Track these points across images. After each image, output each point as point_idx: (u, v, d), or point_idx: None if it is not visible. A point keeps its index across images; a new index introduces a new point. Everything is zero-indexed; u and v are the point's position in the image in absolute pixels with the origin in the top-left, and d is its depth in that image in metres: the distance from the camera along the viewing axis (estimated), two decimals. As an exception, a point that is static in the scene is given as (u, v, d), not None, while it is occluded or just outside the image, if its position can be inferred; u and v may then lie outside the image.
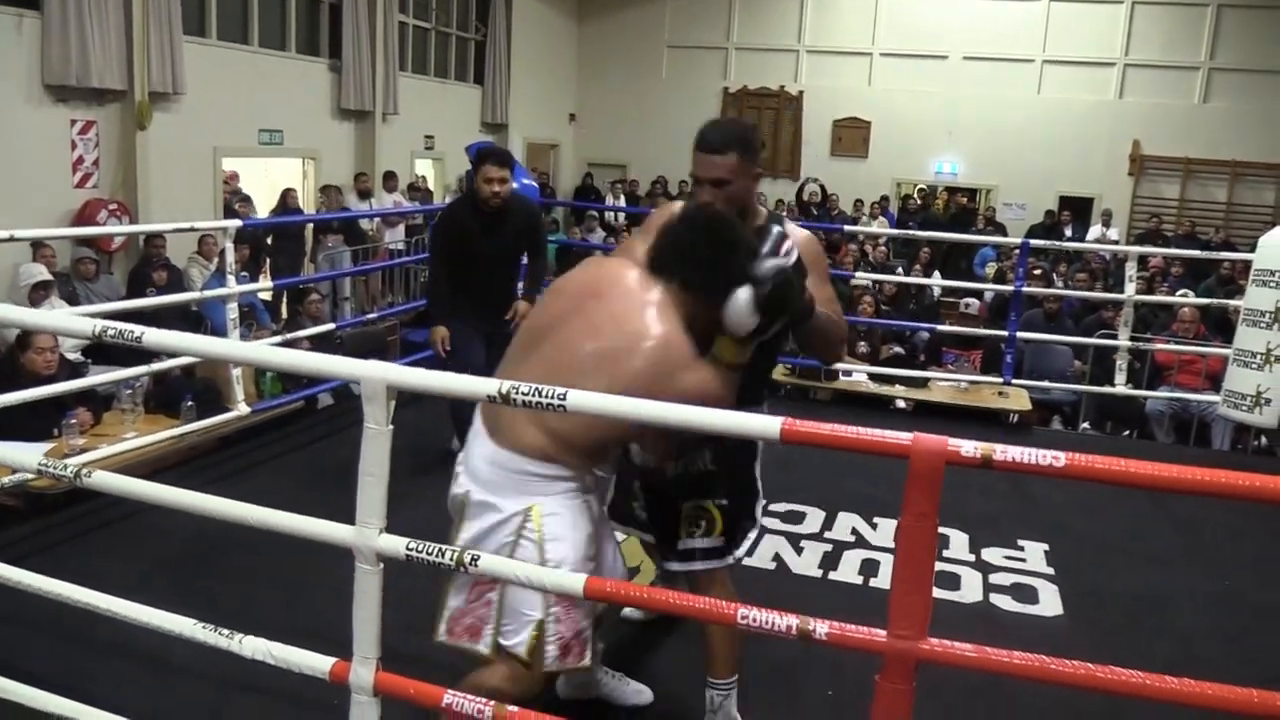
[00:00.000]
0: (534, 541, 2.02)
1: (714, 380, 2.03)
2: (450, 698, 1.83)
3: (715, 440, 2.32)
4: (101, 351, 5.78)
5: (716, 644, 2.41)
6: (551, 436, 2.02)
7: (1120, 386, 5.82)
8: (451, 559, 1.78)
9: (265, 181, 11.40)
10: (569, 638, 2.07)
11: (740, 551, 2.48)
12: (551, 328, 2.11)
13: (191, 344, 2.37)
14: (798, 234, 2.34)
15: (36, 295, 6.22)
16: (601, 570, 2.19)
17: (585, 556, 2.10)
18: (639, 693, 2.75)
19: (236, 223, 4.96)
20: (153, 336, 1.99)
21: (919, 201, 15.17)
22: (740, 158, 2.27)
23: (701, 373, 2.02)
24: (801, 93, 16.49)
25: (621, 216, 13.63)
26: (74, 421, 4.20)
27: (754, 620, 1.58)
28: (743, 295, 2.02)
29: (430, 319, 4.62)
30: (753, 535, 2.50)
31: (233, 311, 4.72)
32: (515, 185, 4.50)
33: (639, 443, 2.32)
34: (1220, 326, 7.34)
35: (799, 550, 3.82)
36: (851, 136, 16.40)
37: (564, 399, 1.62)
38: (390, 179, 11.62)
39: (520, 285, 4.70)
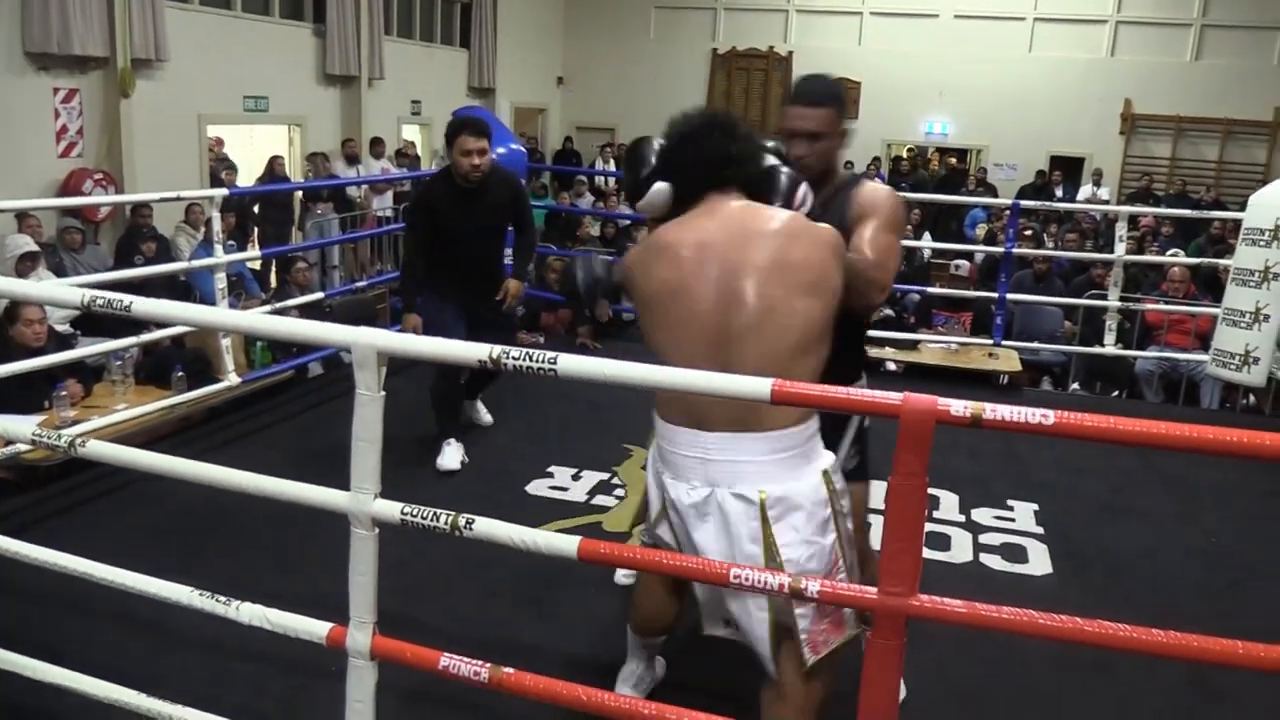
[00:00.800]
0: (833, 506, 1.90)
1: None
2: (446, 660, 1.85)
3: None
4: (90, 323, 5.76)
5: None
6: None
7: (1109, 347, 5.84)
8: (446, 523, 1.79)
9: (251, 149, 11.31)
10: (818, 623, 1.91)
11: None
12: (720, 302, 1.90)
13: (181, 313, 2.36)
14: (874, 189, 2.30)
15: (23, 266, 6.17)
16: None
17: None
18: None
19: (223, 191, 4.93)
20: (142, 306, 1.98)
21: (909, 164, 15.11)
22: (834, 113, 2.26)
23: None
24: (791, 53, 16.35)
25: (612, 181, 13.53)
26: (64, 394, 4.19)
27: (746, 579, 1.60)
28: (783, 172, 2.04)
29: (402, 303, 4.39)
30: None
31: (221, 281, 4.70)
32: (493, 156, 4.39)
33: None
34: (1210, 286, 7.36)
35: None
36: (842, 98, 16.29)
37: (554, 363, 1.62)
38: (377, 145, 11.53)
39: (511, 262, 4.48)
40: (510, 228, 4.38)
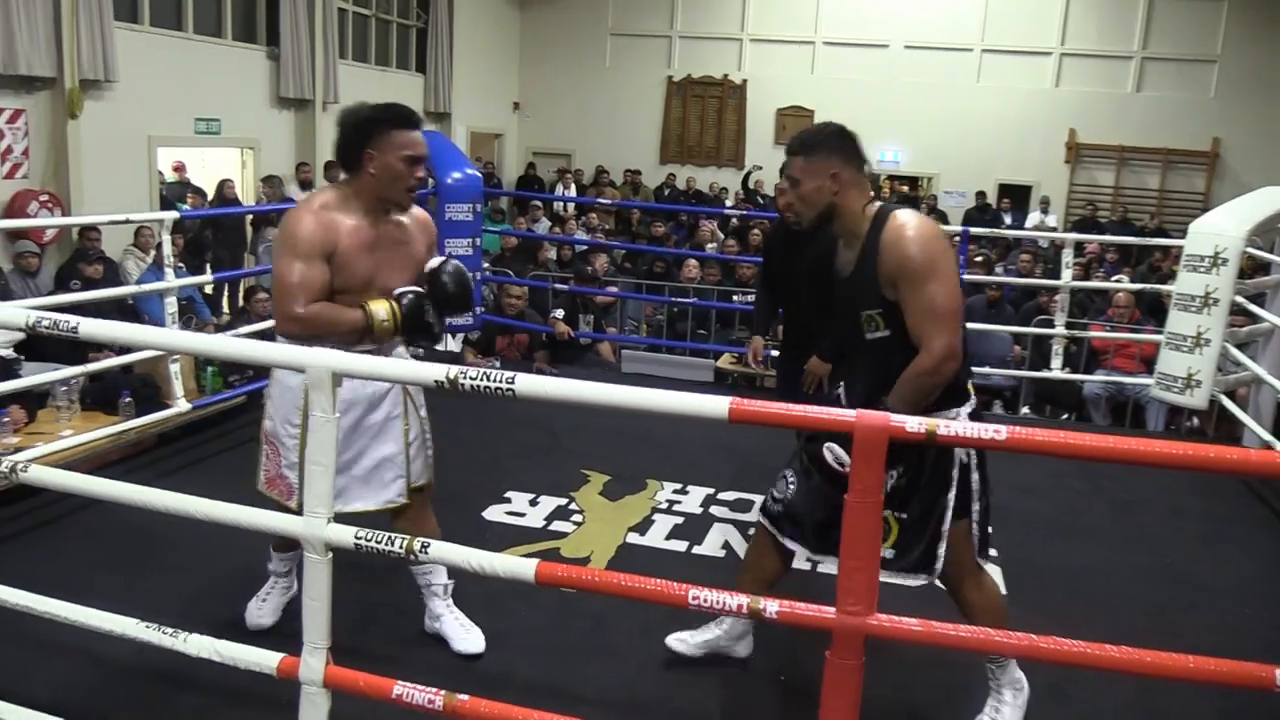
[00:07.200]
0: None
1: (288, 257, 2.36)
2: (400, 688, 1.82)
3: (909, 456, 2.28)
4: (35, 348, 5.62)
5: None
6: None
7: (1057, 371, 5.94)
8: (401, 547, 1.76)
9: (203, 172, 11.20)
10: (272, 475, 2.67)
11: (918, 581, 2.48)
12: None
13: (128, 334, 2.32)
14: (894, 238, 2.22)
15: (-37, 289, 6.04)
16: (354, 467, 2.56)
17: (288, 420, 2.56)
18: (469, 641, 2.81)
19: (174, 214, 4.86)
20: (89, 327, 1.95)
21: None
22: (804, 159, 2.34)
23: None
24: (745, 81, 16.56)
25: (572, 206, 13.53)
26: (6, 420, 4.09)
27: (704, 600, 1.60)
28: None
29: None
30: (940, 555, 2.47)
31: (171, 306, 4.62)
32: (459, 175, 4.36)
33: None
34: (1154, 311, 7.53)
35: (748, 538, 3.85)
36: (795, 125, 16.48)
37: (512, 383, 1.62)
38: (331, 169, 11.44)
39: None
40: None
